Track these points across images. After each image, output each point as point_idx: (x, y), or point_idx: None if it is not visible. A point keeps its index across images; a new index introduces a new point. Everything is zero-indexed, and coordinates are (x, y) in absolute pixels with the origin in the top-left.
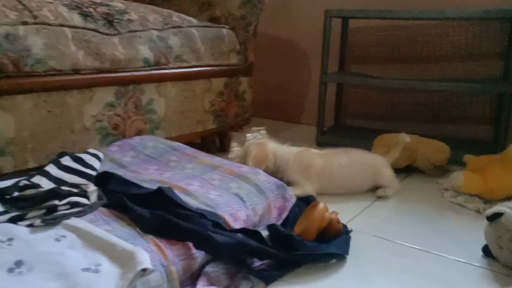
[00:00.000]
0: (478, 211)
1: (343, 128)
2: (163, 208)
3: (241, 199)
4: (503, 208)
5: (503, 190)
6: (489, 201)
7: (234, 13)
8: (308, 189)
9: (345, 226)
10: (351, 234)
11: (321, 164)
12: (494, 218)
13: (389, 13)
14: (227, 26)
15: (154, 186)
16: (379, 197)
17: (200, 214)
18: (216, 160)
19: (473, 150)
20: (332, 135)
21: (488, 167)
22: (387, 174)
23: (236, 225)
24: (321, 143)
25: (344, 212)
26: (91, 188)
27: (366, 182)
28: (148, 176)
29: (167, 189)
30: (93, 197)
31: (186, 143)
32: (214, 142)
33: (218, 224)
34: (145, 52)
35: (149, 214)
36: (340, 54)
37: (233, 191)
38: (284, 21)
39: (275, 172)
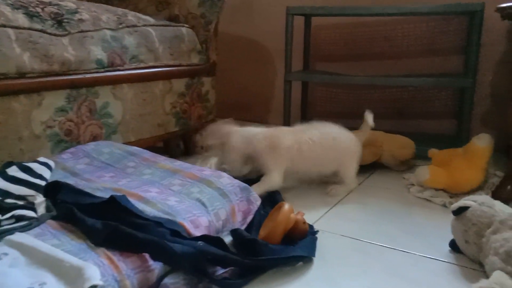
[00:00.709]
0: (444, 205)
1: None
2: (117, 218)
3: (203, 204)
4: (468, 202)
5: (468, 183)
6: (455, 195)
7: (193, 11)
8: (275, 179)
9: (311, 227)
10: (318, 235)
11: (290, 141)
12: (459, 212)
13: (350, 9)
14: (186, 25)
15: (108, 195)
16: (329, 195)
17: (157, 223)
18: (176, 164)
19: (437, 144)
20: None
21: (452, 161)
22: (350, 167)
23: (197, 232)
24: None
25: (310, 211)
26: (39, 199)
27: (332, 164)
28: (102, 184)
29: (121, 197)
30: (41, 209)
31: (147, 148)
32: (178, 146)
33: (177, 232)
34: (98, 53)
35: (101, 225)
36: (304, 52)
37: (194, 196)
38: (247, 20)
39: (251, 160)
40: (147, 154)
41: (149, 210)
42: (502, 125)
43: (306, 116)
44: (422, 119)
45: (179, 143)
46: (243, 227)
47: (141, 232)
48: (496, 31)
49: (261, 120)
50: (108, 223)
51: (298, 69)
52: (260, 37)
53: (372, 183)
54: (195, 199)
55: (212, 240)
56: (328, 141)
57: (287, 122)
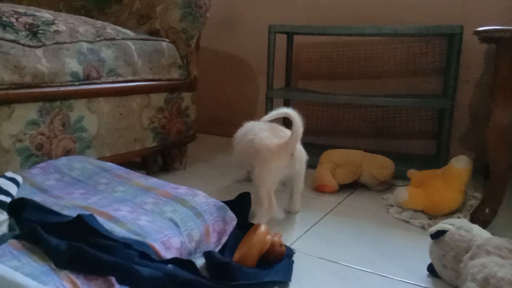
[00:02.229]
0: (423, 227)
1: None
2: (83, 238)
3: (176, 224)
4: (446, 226)
5: (446, 205)
6: (434, 217)
7: (175, 26)
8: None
9: (288, 249)
10: (295, 257)
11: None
12: (437, 236)
13: (330, 29)
14: (167, 40)
15: (76, 213)
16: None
17: (126, 244)
18: (151, 181)
19: (416, 164)
20: None
21: (431, 182)
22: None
23: (168, 254)
24: None
25: (288, 233)
26: (2, 217)
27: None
28: (71, 202)
29: (88, 216)
30: (3, 228)
31: (123, 163)
32: (156, 161)
33: (146, 254)
34: (74, 65)
35: (66, 246)
36: (286, 70)
37: (167, 215)
38: (230, 36)
39: None
40: (121, 170)
41: (118, 231)
42: (480, 146)
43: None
44: (402, 139)
45: (157, 159)
46: (217, 248)
47: (108, 254)
48: (475, 53)
49: None
50: (73, 244)
51: (280, 86)
52: (243, 53)
53: (351, 202)
54: (168, 219)
55: (182, 263)
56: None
57: None
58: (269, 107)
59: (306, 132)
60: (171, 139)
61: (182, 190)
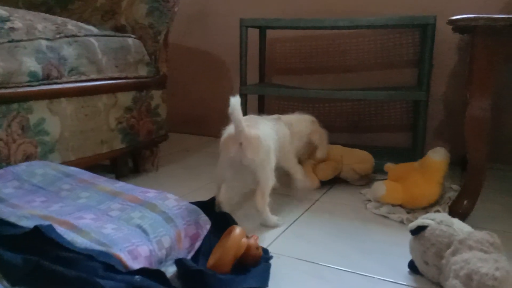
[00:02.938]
0: (402, 222)
1: None
2: (41, 251)
3: (144, 231)
4: (426, 221)
5: (425, 198)
6: (412, 210)
7: (141, 21)
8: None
9: (266, 251)
10: (273, 259)
11: None
12: (418, 231)
13: (303, 22)
14: (133, 36)
15: (34, 224)
16: None
17: (88, 256)
18: (118, 185)
19: (393, 157)
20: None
21: (408, 175)
22: None
23: (136, 264)
24: None
25: (266, 233)
26: None
27: None
28: (30, 211)
29: (47, 227)
30: None
31: (90, 167)
32: (126, 163)
33: (111, 266)
34: (31, 64)
35: (21, 260)
36: (260, 65)
37: (135, 222)
38: (202, 31)
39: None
40: (86, 175)
41: (80, 241)
42: (456, 137)
43: None
44: (378, 132)
45: (127, 161)
46: (190, 254)
47: (69, 268)
48: (449, 44)
49: (218, 134)
50: (29, 258)
51: (255, 82)
52: (216, 49)
53: (329, 199)
54: (136, 226)
55: (151, 273)
56: None
57: None
58: (242, 104)
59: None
60: (141, 140)
61: (151, 194)
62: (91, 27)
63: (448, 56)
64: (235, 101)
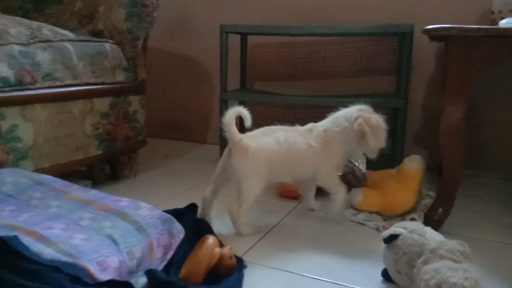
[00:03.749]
0: (378, 229)
1: None
2: (5, 263)
3: (114, 241)
4: (398, 229)
5: (401, 206)
6: (389, 218)
7: (119, 26)
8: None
9: (240, 260)
10: (247, 269)
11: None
12: (390, 240)
13: (283, 29)
14: (110, 41)
15: (1, 234)
16: None
17: (54, 268)
18: (90, 194)
19: (371, 164)
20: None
21: (385, 182)
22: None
23: (105, 276)
24: None
25: (240, 242)
26: None
27: None
28: None
29: (11, 238)
30: None
31: (65, 174)
32: (102, 170)
33: (78, 278)
34: (3, 70)
35: None
36: (241, 71)
37: (106, 232)
38: (184, 37)
39: None
40: (58, 183)
41: (47, 252)
42: (434, 144)
43: None
44: None
45: (104, 167)
46: (162, 264)
47: (33, 280)
48: (426, 52)
49: (200, 139)
50: None
51: (236, 87)
52: (198, 54)
53: (304, 206)
54: (106, 236)
55: (119, 285)
56: None
57: (223, 142)
58: (223, 110)
59: None
60: (119, 146)
61: (124, 202)
62: (67, 32)
63: (426, 63)
64: (231, 110)
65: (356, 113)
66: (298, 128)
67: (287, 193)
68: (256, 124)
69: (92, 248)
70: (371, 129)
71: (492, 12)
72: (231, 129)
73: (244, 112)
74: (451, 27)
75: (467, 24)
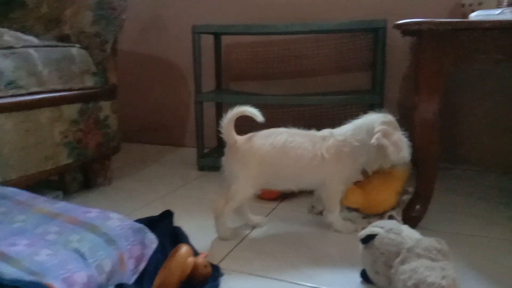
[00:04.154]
0: (355, 230)
1: None
2: None
3: (82, 255)
4: (375, 229)
5: (381, 205)
6: (368, 216)
7: (87, 30)
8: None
9: (216, 268)
10: (224, 276)
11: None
12: (367, 240)
13: (256, 28)
14: (77, 45)
15: None
16: None
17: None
18: (57, 206)
19: None
20: (214, 157)
21: (369, 181)
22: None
23: None
24: (202, 167)
25: (217, 248)
26: None
27: None
28: None
29: None
30: None
31: (33, 185)
32: (75, 179)
33: None
34: None
35: None
36: (216, 72)
37: (73, 246)
38: (157, 38)
39: None
40: (23, 195)
41: (9, 271)
42: (412, 140)
43: (221, 138)
44: None
45: (76, 176)
46: (134, 277)
47: None
48: (401, 48)
49: (177, 143)
50: None
51: (212, 89)
52: (171, 56)
53: (287, 206)
54: (73, 250)
55: None
56: None
57: (200, 145)
58: (199, 111)
59: (242, 134)
60: (90, 154)
61: (92, 214)
62: (31, 38)
63: (402, 59)
64: (231, 112)
65: (377, 126)
66: (310, 133)
67: (267, 195)
68: (235, 125)
69: (58, 264)
70: (392, 144)
71: (463, 5)
72: (228, 130)
73: (250, 111)
74: (422, 21)
75: (440, 18)
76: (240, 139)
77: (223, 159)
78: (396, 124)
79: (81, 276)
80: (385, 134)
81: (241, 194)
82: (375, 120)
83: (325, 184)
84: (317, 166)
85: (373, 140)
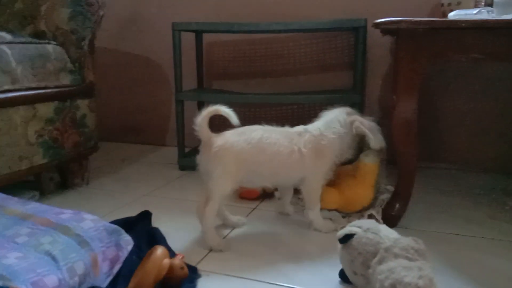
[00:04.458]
0: (335, 230)
1: None
2: None
3: (53, 258)
4: (353, 229)
5: (359, 202)
6: (348, 214)
7: (63, 27)
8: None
9: (194, 270)
10: (201, 278)
11: None
12: (345, 240)
13: (237, 26)
14: (53, 42)
15: None
16: None
17: None
18: (30, 207)
19: None
20: (195, 156)
21: (342, 179)
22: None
23: None
24: (184, 166)
25: (194, 250)
26: None
27: None
28: None
29: None
30: None
31: (7, 186)
32: (51, 179)
33: None
34: None
35: None
36: (198, 70)
37: (44, 248)
38: (137, 36)
39: None
40: None
41: None
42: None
43: None
44: None
45: (52, 176)
46: (108, 279)
47: None
48: (381, 47)
49: (158, 142)
50: None
51: (193, 87)
52: (152, 54)
53: (267, 206)
54: (44, 253)
55: None
56: None
57: (181, 144)
58: (179, 110)
59: None
60: (67, 153)
61: (66, 215)
62: (3, 34)
63: (382, 58)
64: (206, 110)
65: (348, 117)
66: (284, 129)
67: (247, 194)
68: (218, 124)
69: (27, 268)
70: (369, 131)
71: (442, 5)
72: (202, 128)
73: (225, 111)
74: (401, 20)
75: (421, 17)
76: (214, 136)
77: (198, 157)
78: (356, 112)
79: (51, 279)
80: (361, 122)
81: (219, 191)
82: (342, 112)
83: (305, 181)
84: (295, 162)
85: (354, 130)
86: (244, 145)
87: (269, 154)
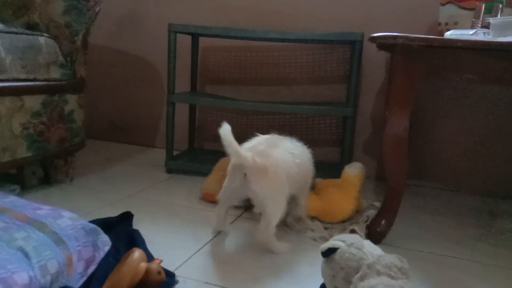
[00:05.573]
0: (315, 240)
1: (197, 152)
2: None
3: (26, 254)
4: (337, 243)
5: (340, 213)
6: (330, 225)
7: (57, 20)
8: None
9: (172, 275)
10: (178, 284)
11: None
12: (328, 254)
13: (234, 31)
14: (46, 35)
15: None
16: None
17: None
18: (7, 200)
19: (321, 172)
20: (183, 160)
21: (327, 189)
22: None
23: None
24: (171, 169)
25: (175, 255)
26: None
27: None
28: None
29: None
30: None
31: None
32: (34, 173)
33: None
34: None
35: None
36: (192, 73)
37: (17, 244)
38: (133, 35)
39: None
40: None
41: None
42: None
43: (193, 139)
44: (309, 146)
45: (36, 171)
46: (82, 280)
47: None
48: (377, 62)
49: (148, 143)
50: None
51: (187, 90)
52: (147, 54)
53: (252, 215)
54: (17, 249)
55: None
56: None
57: (170, 146)
58: (170, 112)
59: (216, 139)
60: (52, 148)
61: (43, 211)
62: None
63: (377, 73)
64: (225, 131)
65: None
66: (285, 138)
67: (210, 197)
68: (209, 129)
69: None
70: None
71: (439, 24)
72: (235, 147)
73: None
74: (397, 35)
75: (417, 35)
76: (255, 155)
77: (247, 184)
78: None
79: (21, 276)
80: None
81: (280, 212)
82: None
83: (305, 186)
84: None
85: None
86: (290, 157)
87: (306, 162)
